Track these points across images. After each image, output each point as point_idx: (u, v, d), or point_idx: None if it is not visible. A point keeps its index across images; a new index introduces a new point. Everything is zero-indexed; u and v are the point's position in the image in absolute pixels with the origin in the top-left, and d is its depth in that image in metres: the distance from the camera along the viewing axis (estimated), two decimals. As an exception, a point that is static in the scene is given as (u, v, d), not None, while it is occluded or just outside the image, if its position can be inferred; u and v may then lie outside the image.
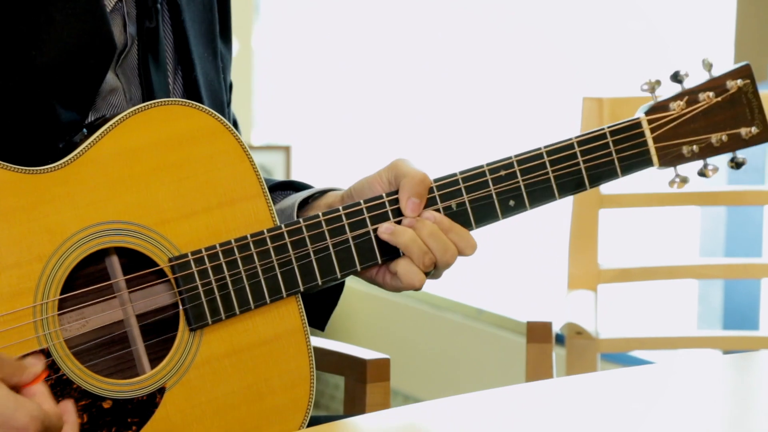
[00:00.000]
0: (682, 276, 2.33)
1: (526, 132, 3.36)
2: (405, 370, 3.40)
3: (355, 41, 3.80)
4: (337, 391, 3.33)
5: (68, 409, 1.28)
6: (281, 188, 1.59)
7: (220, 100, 1.56)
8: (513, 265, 3.33)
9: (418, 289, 1.45)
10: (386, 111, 3.73)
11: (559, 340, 2.18)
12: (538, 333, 2.02)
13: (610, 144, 1.50)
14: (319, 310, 1.55)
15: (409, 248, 1.43)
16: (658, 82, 1.52)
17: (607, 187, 2.25)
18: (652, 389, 1.45)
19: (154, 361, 1.39)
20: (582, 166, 1.49)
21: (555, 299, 2.48)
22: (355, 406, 1.69)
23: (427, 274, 1.46)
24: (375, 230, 1.44)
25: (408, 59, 3.67)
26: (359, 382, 1.68)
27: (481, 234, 1.49)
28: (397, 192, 1.45)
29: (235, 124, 1.64)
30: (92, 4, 1.40)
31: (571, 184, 1.49)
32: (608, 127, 1.50)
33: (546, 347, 2.01)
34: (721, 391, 1.47)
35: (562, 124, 3.17)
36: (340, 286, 1.55)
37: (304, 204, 1.53)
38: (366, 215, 1.45)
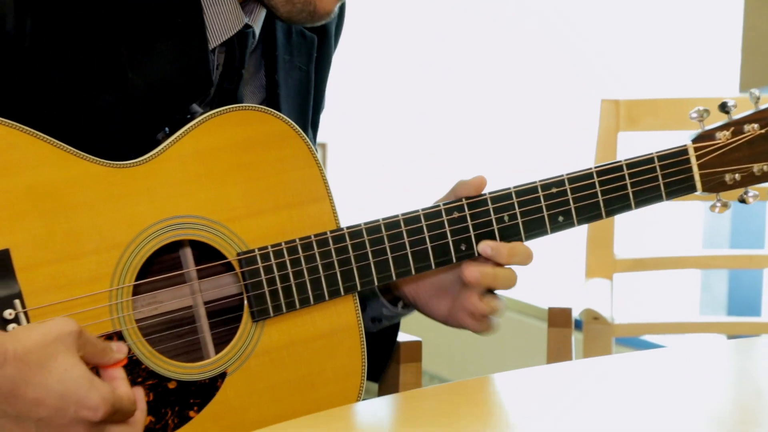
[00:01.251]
0: (691, 266, 2.42)
1: (547, 130, 3.40)
2: (435, 353, 3.46)
3: (391, 40, 3.84)
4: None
5: (139, 396, 1.32)
6: None
7: None
8: (535, 256, 3.40)
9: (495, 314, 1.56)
10: (420, 109, 3.77)
11: (577, 325, 2.26)
12: (558, 318, 2.08)
13: (657, 168, 1.55)
14: (375, 363, 1.60)
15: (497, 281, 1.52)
16: (706, 111, 1.57)
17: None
18: (663, 371, 1.48)
19: (219, 346, 1.44)
20: (630, 190, 1.53)
21: (574, 287, 2.54)
22: (389, 385, 1.73)
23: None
24: (431, 240, 1.50)
25: (441, 57, 3.71)
26: (393, 363, 1.72)
27: None
28: (453, 201, 1.51)
29: None
30: (197, 40, 1.46)
31: (618, 204, 1.54)
32: (656, 152, 1.56)
33: (566, 332, 2.07)
34: (726, 373, 1.52)
35: (581, 126, 3.20)
36: (394, 338, 1.61)
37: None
38: (423, 223, 1.50)
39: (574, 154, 3.26)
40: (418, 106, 3.78)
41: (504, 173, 3.44)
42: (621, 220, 2.37)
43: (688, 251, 2.40)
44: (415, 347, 1.72)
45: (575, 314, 2.12)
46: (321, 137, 1.75)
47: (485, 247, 1.51)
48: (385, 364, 1.63)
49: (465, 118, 3.67)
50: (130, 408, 1.28)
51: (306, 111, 1.62)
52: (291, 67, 1.58)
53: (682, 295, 3.19)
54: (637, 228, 3.11)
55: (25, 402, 1.22)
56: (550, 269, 3.41)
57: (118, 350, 1.31)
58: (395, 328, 1.65)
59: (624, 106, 2.27)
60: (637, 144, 2.03)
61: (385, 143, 3.88)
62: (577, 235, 2.49)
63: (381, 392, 1.73)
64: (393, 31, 3.83)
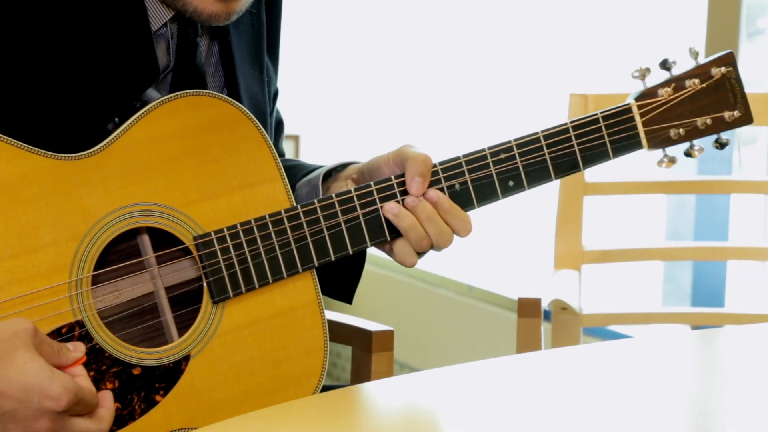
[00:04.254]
0: (658, 258, 2.44)
1: (517, 124, 3.39)
2: (406, 343, 3.48)
3: (363, 31, 3.83)
4: (348, 363, 3.40)
5: (107, 396, 1.34)
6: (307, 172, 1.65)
7: (263, 111, 1.63)
8: (504, 246, 3.43)
9: (409, 266, 1.53)
10: (393, 100, 3.77)
11: (546, 315, 2.28)
12: (528, 308, 2.09)
13: (603, 128, 1.56)
14: (346, 284, 1.61)
15: (408, 233, 1.49)
16: (647, 70, 1.58)
17: (591, 175, 2.35)
18: (630, 361, 1.50)
19: (181, 330, 1.45)
20: (576, 148, 1.54)
21: (542, 278, 2.54)
22: (361, 374, 1.75)
23: (421, 254, 1.54)
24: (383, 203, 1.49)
25: (413, 50, 3.71)
26: (365, 352, 1.74)
27: (472, 215, 1.55)
28: (404, 175, 1.51)
29: (279, 124, 1.72)
30: (138, 29, 1.47)
31: (566, 166, 1.55)
32: (601, 113, 1.57)
33: (535, 322, 2.08)
34: (691, 363, 1.54)
35: (550, 119, 3.21)
36: (362, 262, 1.60)
37: (327, 177, 1.60)
38: (376, 196, 1.51)
39: None
40: (392, 97, 3.78)
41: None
42: (589, 212, 2.38)
43: (655, 243, 2.42)
44: (387, 336, 1.74)
45: (544, 305, 2.14)
46: (293, 129, 1.75)
47: (433, 193, 1.50)
48: (355, 283, 1.62)
49: (436, 111, 3.67)
50: (93, 400, 1.30)
51: (260, 54, 1.62)
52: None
53: (645, 287, 3.22)
54: (605, 220, 3.13)
55: None
56: (520, 260, 3.42)
57: (75, 349, 1.32)
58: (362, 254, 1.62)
59: (593, 100, 2.29)
60: None
61: (359, 135, 3.88)
62: (546, 226, 2.52)
63: (353, 381, 1.75)
64: (367, 21, 3.84)
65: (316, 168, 1.64)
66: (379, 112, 3.83)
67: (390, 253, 1.54)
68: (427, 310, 3.51)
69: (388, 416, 1.35)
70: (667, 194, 2.96)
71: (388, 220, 1.51)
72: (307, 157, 3.81)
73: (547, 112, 3.29)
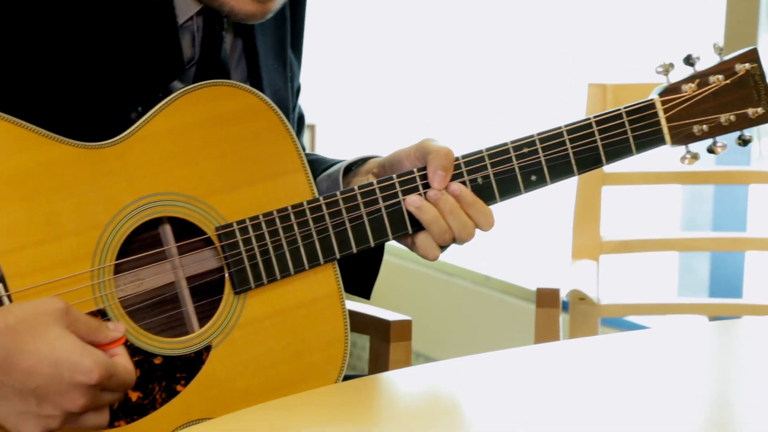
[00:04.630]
0: (676, 248, 2.44)
1: (534, 115, 3.38)
2: (423, 333, 3.48)
3: (380, 20, 3.81)
4: (363, 352, 3.42)
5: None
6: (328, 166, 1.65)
7: (285, 107, 1.62)
8: (521, 236, 3.42)
9: (432, 260, 1.53)
10: (410, 90, 3.75)
11: (563, 306, 2.27)
12: (546, 299, 2.08)
13: (626, 123, 1.55)
14: (364, 279, 1.61)
15: (431, 226, 1.49)
16: (671, 65, 1.57)
17: (609, 166, 2.34)
18: (648, 352, 1.50)
19: (203, 320, 1.44)
20: (599, 143, 1.53)
21: (561, 268, 2.53)
22: (379, 363, 1.74)
23: (444, 247, 1.52)
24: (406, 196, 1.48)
25: (431, 40, 3.68)
26: (383, 342, 1.74)
27: (492, 206, 1.55)
28: (426, 168, 1.51)
29: (300, 120, 1.72)
30: (165, 21, 1.47)
31: (589, 161, 1.54)
32: (624, 108, 1.56)
33: (553, 312, 2.07)
34: (709, 354, 1.53)
35: (567, 111, 3.19)
36: (380, 257, 1.60)
37: (347, 171, 1.60)
38: (398, 189, 1.50)
39: None
40: (409, 87, 3.75)
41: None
42: (607, 202, 2.37)
43: (674, 233, 2.41)
44: (405, 326, 1.73)
45: (562, 295, 2.12)
46: (309, 118, 1.75)
47: (456, 186, 1.49)
48: (373, 278, 1.61)
49: (453, 101, 3.64)
50: (128, 377, 1.28)
51: (284, 49, 1.61)
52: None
53: (660, 277, 3.21)
54: (623, 210, 3.12)
55: (20, 371, 1.23)
56: (537, 250, 3.40)
57: (115, 328, 1.30)
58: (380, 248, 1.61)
59: (611, 90, 2.27)
60: None
61: (376, 125, 3.86)
62: (564, 216, 2.50)
63: (371, 370, 1.74)
64: (384, 10, 3.81)
65: (336, 162, 1.63)
66: (396, 102, 3.81)
67: (412, 247, 1.54)
68: (444, 300, 3.50)
69: (406, 406, 1.35)
70: (684, 185, 2.94)
71: (410, 214, 1.51)
72: (323, 147, 3.81)
73: (565, 103, 3.27)
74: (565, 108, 3.26)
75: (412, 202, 1.50)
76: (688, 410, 1.31)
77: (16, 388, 1.24)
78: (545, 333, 2.07)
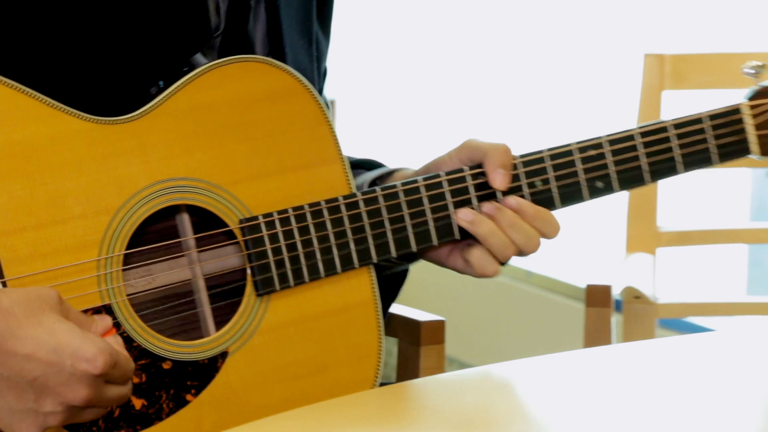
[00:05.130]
0: (742, 240, 2.35)
1: (583, 88, 3.31)
2: (457, 335, 3.41)
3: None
4: (390, 357, 3.35)
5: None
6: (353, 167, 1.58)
7: None
8: (568, 227, 3.31)
9: (490, 276, 1.43)
10: (439, 61, 3.66)
11: (616, 305, 2.24)
12: (597, 297, 2.02)
13: (708, 129, 1.47)
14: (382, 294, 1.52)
15: (488, 240, 1.41)
16: (762, 66, 1.49)
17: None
18: (711, 357, 1.44)
19: (220, 324, 1.39)
20: (677, 151, 1.46)
21: (613, 263, 2.48)
22: (408, 369, 1.68)
23: (503, 263, 1.45)
24: (455, 206, 1.43)
25: (457, 16, 3.60)
26: (413, 345, 1.67)
27: None
28: (477, 167, 1.44)
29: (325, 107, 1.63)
30: None
31: (664, 169, 1.47)
32: (707, 112, 1.48)
33: (605, 312, 2.01)
34: None
35: (621, 84, 3.11)
36: (403, 276, 1.54)
37: (373, 184, 1.52)
38: (446, 188, 1.43)
39: (613, 116, 3.15)
40: (435, 57, 3.67)
41: (532, 136, 3.36)
42: (665, 189, 2.31)
43: (741, 223, 2.32)
44: (438, 327, 1.66)
45: (615, 293, 2.08)
46: (330, 94, 1.65)
47: (513, 201, 1.42)
48: (386, 305, 1.53)
49: (490, 70, 3.56)
50: (128, 365, 1.23)
51: (310, 24, 1.54)
52: None
53: (725, 273, 3.13)
54: (682, 198, 3.02)
55: (16, 359, 1.17)
56: (587, 243, 3.31)
57: (101, 320, 1.26)
58: (402, 273, 1.56)
59: (669, 61, 2.21)
60: (683, 103, 1.92)
61: (399, 99, 3.78)
62: (617, 205, 2.43)
63: (399, 377, 1.68)
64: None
65: (357, 163, 1.55)
66: (418, 74, 3.72)
67: (466, 267, 1.44)
68: (481, 299, 3.43)
69: (436, 418, 1.31)
70: (753, 168, 2.86)
71: None
72: (343, 123, 3.73)
73: (618, 77, 3.18)
74: (619, 83, 3.18)
75: (464, 216, 1.42)
76: (756, 424, 1.27)
77: (12, 381, 1.18)
78: (595, 336, 2.01)
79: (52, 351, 1.17)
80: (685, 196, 3.05)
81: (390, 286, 1.54)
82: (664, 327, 2.97)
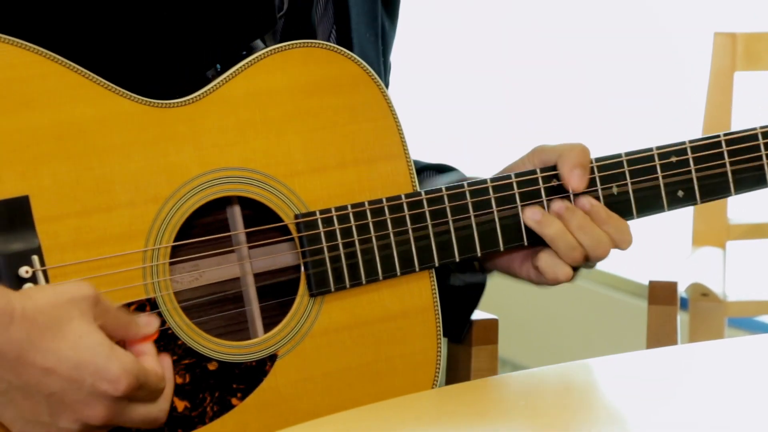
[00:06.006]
0: None
1: (648, 70, 3.28)
2: (510, 335, 3.39)
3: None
4: None
5: (166, 365, 1.24)
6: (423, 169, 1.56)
7: None
8: (631, 219, 3.27)
9: (562, 282, 1.39)
10: (492, 45, 3.65)
11: (683, 303, 2.23)
12: (661, 294, 1.96)
13: None
14: (454, 317, 1.50)
15: (555, 242, 1.38)
16: None
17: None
18: None
19: (269, 325, 1.36)
20: (766, 161, 1.44)
21: (678, 258, 2.46)
22: (458, 371, 1.63)
23: (576, 268, 1.40)
24: (524, 208, 1.39)
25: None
26: (464, 345, 1.61)
27: None
28: (550, 169, 1.41)
29: None
30: None
31: (751, 180, 1.44)
32: None
33: (670, 310, 1.96)
34: None
35: (689, 65, 3.08)
36: (479, 292, 1.50)
37: None
38: (515, 190, 1.40)
39: (680, 99, 3.12)
40: (487, 43, 3.66)
41: (592, 123, 3.30)
42: None
43: None
44: (491, 326, 1.61)
45: (681, 290, 2.02)
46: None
47: (585, 201, 1.38)
48: (463, 324, 1.51)
49: (543, 53, 3.54)
50: (158, 385, 1.20)
51: (375, 16, 1.51)
52: None
53: None
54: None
55: (35, 371, 1.15)
56: (651, 236, 3.26)
57: (147, 324, 1.22)
58: (479, 284, 1.54)
59: (741, 40, 2.18)
60: (757, 86, 1.83)
61: (447, 85, 3.75)
62: None
63: (449, 380, 1.64)
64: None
65: (431, 166, 1.53)
66: (475, 62, 3.69)
67: (538, 275, 1.40)
68: (536, 296, 3.36)
69: (490, 422, 1.28)
70: None
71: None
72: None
73: (687, 57, 3.14)
74: (687, 65, 3.14)
75: (531, 215, 1.38)
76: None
77: (26, 391, 1.15)
78: (659, 336, 1.94)
79: (74, 367, 1.14)
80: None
81: (467, 298, 1.51)
82: (733, 326, 2.92)
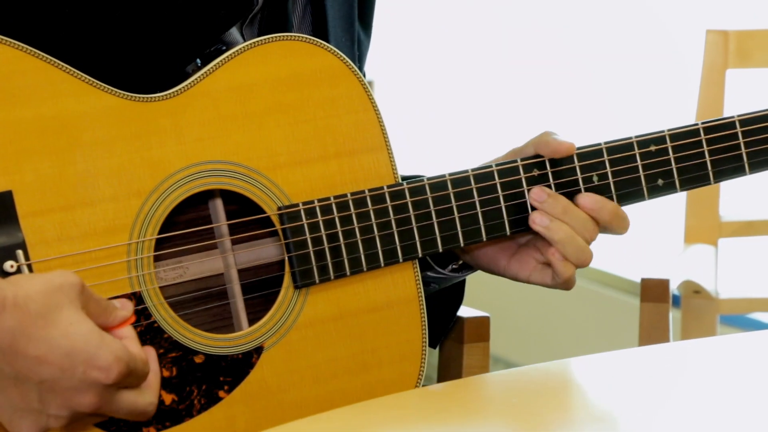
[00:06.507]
0: None
1: (640, 67, 3.28)
2: (502, 332, 3.39)
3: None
4: (431, 355, 3.32)
5: (151, 356, 1.24)
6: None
7: None
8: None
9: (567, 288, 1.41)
10: (483, 39, 3.65)
11: (675, 300, 2.22)
12: (653, 291, 1.98)
13: None
14: (433, 324, 1.49)
15: (565, 246, 1.37)
16: None
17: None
18: None
19: (253, 320, 1.36)
20: (744, 150, 1.43)
21: (670, 254, 2.46)
22: (450, 368, 1.64)
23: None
24: (506, 198, 1.39)
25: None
26: (456, 342, 1.62)
27: None
28: (531, 158, 1.41)
29: None
30: None
31: (730, 169, 1.43)
32: None
33: (662, 307, 1.97)
34: None
35: (681, 63, 3.08)
36: (459, 299, 1.51)
37: None
38: (497, 180, 1.40)
39: (672, 97, 3.12)
40: (479, 36, 3.66)
41: (583, 119, 3.31)
42: None
43: None
44: (482, 324, 1.61)
45: (673, 287, 2.03)
46: (368, 74, 1.61)
47: (586, 198, 1.39)
48: (442, 331, 1.52)
49: (537, 49, 3.54)
50: (144, 369, 1.20)
51: (352, 22, 1.52)
52: None
53: None
54: (747, 185, 2.95)
55: (26, 359, 1.14)
56: (642, 233, 3.23)
57: (123, 307, 1.22)
58: (458, 290, 1.54)
59: (733, 37, 2.18)
60: (749, 84, 1.84)
61: (440, 81, 3.76)
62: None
63: (441, 377, 1.64)
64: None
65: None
66: (458, 53, 3.68)
67: (554, 279, 1.40)
68: (528, 294, 3.40)
69: (481, 420, 1.27)
70: None
71: (510, 213, 1.40)
72: (381, 104, 3.71)
73: (679, 54, 3.14)
74: (679, 62, 3.14)
75: (539, 222, 1.38)
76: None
77: (17, 379, 1.15)
78: (652, 333, 1.96)
79: (65, 355, 1.14)
80: (750, 182, 3.01)
81: (451, 296, 1.51)
82: (726, 323, 2.92)
